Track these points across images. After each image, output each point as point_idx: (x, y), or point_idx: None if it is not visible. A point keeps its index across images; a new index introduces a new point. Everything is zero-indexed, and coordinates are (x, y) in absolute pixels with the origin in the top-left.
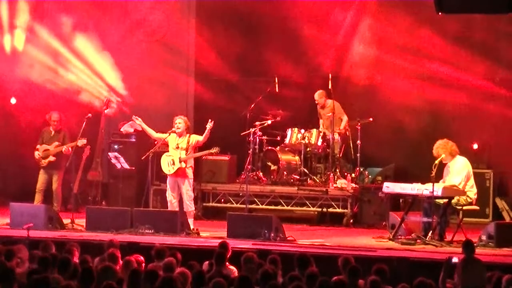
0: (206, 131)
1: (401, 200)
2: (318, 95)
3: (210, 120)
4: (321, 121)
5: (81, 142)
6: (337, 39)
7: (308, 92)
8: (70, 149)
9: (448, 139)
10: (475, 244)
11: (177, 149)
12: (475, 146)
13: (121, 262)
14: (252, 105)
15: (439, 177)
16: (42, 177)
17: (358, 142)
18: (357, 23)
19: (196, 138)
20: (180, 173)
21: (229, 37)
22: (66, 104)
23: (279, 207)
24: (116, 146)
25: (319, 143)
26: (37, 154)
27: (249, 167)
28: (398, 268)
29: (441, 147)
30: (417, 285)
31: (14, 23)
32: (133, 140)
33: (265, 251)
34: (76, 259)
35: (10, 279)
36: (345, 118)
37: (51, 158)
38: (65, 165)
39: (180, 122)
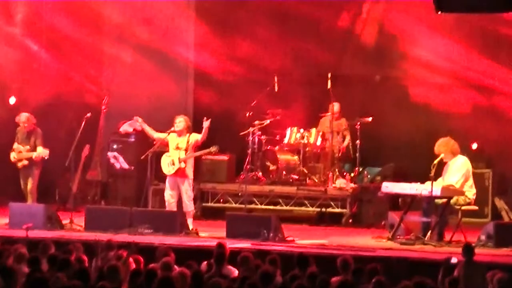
0: (204, 129)
1: (400, 200)
2: (338, 107)
3: (205, 118)
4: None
5: (45, 153)
6: (337, 39)
7: (308, 91)
8: (40, 157)
9: (450, 138)
10: (473, 245)
11: (177, 150)
12: (474, 146)
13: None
14: (251, 105)
15: (438, 177)
16: (22, 179)
17: (357, 141)
18: (356, 22)
19: (195, 138)
20: (180, 173)
21: (228, 36)
22: (65, 103)
23: (278, 207)
24: (115, 146)
25: (318, 142)
26: (12, 156)
27: (248, 167)
28: (397, 268)
29: (442, 145)
30: (415, 285)
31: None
32: (132, 139)
33: (264, 251)
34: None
35: (12, 279)
36: (348, 138)
37: (25, 162)
38: (40, 166)
39: (180, 120)
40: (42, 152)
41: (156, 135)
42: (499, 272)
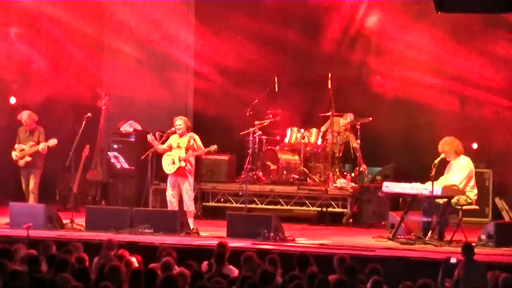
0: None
1: (400, 200)
2: (351, 118)
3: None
4: (322, 128)
5: (52, 142)
6: (338, 39)
7: (308, 91)
8: (46, 148)
9: (455, 138)
10: (474, 244)
11: (178, 148)
12: (475, 146)
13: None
14: (252, 105)
15: (439, 176)
16: (24, 178)
17: (358, 141)
18: (358, 22)
19: (197, 142)
20: (180, 173)
21: (228, 36)
22: (65, 104)
23: (278, 207)
24: (115, 146)
25: (319, 142)
26: (14, 154)
27: (248, 166)
28: (397, 267)
29: (447, 144)
30: (420, 286)
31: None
32: (133, 139)
33: (264, 250)
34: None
35: (10, 278)
36: (354, 141)
37: (27, 158)
38: (42, 163)
39: (180, 123)
40: (49, 141)
41: (161, 147)
42: (499, 272)
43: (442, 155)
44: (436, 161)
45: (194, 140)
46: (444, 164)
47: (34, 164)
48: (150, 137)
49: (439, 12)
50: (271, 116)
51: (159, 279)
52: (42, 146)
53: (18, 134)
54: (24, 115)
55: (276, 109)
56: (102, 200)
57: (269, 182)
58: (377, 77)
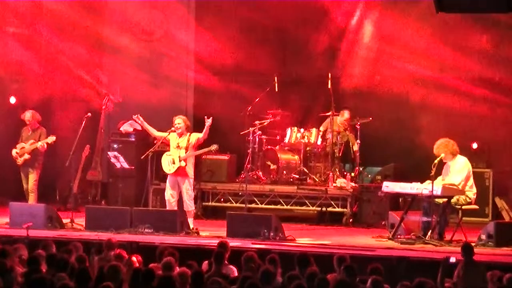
0: (206, 128)
1: (400, 200)
2: (348, 115)
3: (206, 116)
4: (321, 128)
5: (51, 139)
6: (337, 38)
7: (308, 91)
8: (45, 145)
9: (449, 138)
10: (474, 244)
11: (177, 148)
12: (475, 146)
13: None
14: (253, 103)
15: (438, 176)
16: (23, 177)
17: (358, 141)
18: (358, 22)
19: (196, 136)
20: (180, 172)
21: (228, 36)
22: (65, 103)
23: (278, 207)
24: (115, 146)
25: (319, 142)
26: (14, 152)
27: (248, 166)
28: (397, 267)
29: (442, 146)
30: (416, 285)
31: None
32: (133, 139)
33: (264, 250)
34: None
35: (9, 278)
36: (355, 143)
37: (26, 156)
38: (41, 162)
39: (179, 122)
40: (48, 138)
41: (156, 133)
42: (499, 272)
43: (442, 155)
44: (436, 161)
45: (196, 139)
46: (442, 163)
47: (33, 162)
48: (138, 120)
49: (439, 12)
50: (271, 116)
51: (157, 279)
52: (41, 143)
53: (21, 133)
54: (28, 115)
55: (276, 109)
56: (102, 200)
57: (269, 182)
58: (377, 76)
